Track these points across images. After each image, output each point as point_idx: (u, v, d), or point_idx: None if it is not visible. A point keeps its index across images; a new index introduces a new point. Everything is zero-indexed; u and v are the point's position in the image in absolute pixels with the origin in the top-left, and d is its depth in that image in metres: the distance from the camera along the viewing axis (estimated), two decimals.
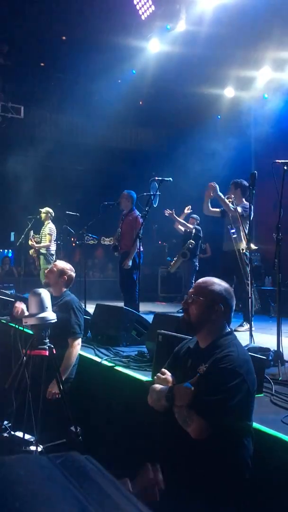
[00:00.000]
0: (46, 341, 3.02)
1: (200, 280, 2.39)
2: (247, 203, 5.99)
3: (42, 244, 8.55)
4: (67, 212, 8.26)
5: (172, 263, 8.91)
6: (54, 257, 8.43)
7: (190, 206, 8.59)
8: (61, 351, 3.68)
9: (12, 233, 14.48)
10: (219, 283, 2.30)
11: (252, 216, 5.03)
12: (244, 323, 5.81)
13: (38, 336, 3.01)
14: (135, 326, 4.87)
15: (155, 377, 2.33)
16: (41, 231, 8.71)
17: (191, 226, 8.47)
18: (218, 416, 2.00)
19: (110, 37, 9.13)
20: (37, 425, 2.84)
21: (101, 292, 9.92)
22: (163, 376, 2.27)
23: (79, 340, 3.96)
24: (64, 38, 10.11)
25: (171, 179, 6.23)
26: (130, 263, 6.38)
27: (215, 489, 1.99)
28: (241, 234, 5.81)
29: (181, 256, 8.55)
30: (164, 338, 3.33)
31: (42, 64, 11.15)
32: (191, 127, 11.06)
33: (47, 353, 3.00)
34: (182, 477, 2.06)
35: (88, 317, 5.09)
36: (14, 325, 3.41)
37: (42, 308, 3.01)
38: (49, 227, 8.60)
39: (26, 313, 3.28)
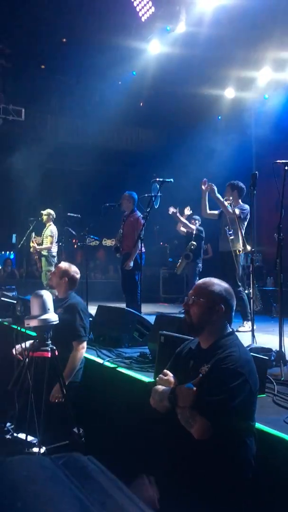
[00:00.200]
0: (48, 342, 3.03)
1: (200, 281, 2.38)
2: (244, 205, 6.00)
3: (43, 246, 8.56)
4: (69, 213, 8.25)
5: (177, 265, 8.93)
6: (55, 259, 8.44)
7: (189, 207, 8.59)
8: (65, 354, 3.67)
9: (14, 235, 14.50)
10: (219, 284, 2.30)
11: (248, 218, 5.02)
12: (244, 322, 5.82)
13: (40, 337, 3.02)
14: (137, 327, 4.87)
15: (157, 378, 2.32)
16: (43, 233, 8.72)
17: (193, 227, 8.46)
18: (221, 417, 2.00)
19: (110, 39, 9.14)
20: (40, 427, 2.84)
21: (103, 294, 9.90)
22: (165, 377, 2.27)
23: (84, 344, 3.89)
24: (64, 40, 10.15)
25: (172, 180, 6.23)
26: (131, 264, 6.38)
27: (217, 489, 1.99)
28: (239, 235, 5.81)
29: (184, 258, 8.55)
30: (166, 339, 3.32)
31: (42, 66, 11.18)
32: (192, 128, 11.05)
33: (49, 354, 3.01)
34: (185, 477, 2.06)
35: (90, 319, 5.09)
36: (16, 327, 3.41)
37: (44, 310, 3.02)
38: (51, 229, 8.61)
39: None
